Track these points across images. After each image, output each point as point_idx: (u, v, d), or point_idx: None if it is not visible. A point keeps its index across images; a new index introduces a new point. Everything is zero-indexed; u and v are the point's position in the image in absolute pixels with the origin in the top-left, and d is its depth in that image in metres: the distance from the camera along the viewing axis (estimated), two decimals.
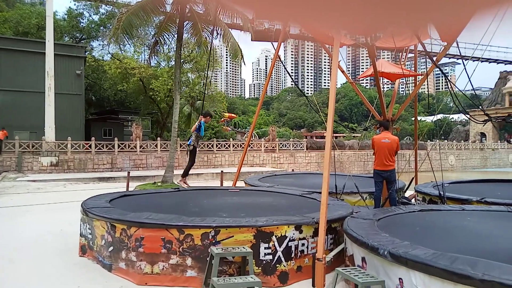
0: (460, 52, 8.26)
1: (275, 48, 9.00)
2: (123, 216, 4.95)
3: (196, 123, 7.37)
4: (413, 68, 10.26)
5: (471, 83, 8.39)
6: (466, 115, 8.36)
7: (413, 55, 9.53)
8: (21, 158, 21.04)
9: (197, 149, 7.41)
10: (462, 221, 5.29)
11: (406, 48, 8.63)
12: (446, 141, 43.36)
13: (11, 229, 7.71)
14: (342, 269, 3.77)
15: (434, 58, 7.03)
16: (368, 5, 1.25)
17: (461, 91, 7.61)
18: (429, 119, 63.32)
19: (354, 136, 51.56)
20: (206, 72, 11.87)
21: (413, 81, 10.22)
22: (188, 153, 7.40)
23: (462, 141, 43.90)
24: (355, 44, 8.20)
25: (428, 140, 40.00)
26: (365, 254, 4.01)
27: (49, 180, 17.66)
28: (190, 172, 21.28)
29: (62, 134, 23.07)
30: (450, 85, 7.13)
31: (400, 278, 3.43)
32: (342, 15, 1.35)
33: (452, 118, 61.59)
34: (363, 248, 4.01)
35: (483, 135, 48.69)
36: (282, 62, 10.61)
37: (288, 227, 4.79)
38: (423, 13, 1.30)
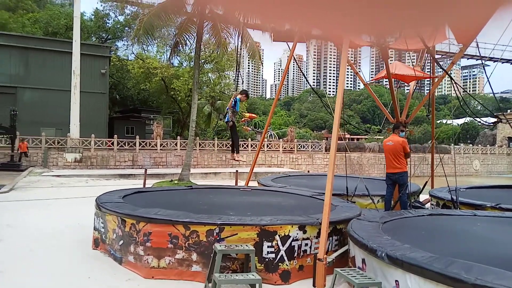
0: (480, 52, 8.05)
1: (290, 49, 9.06)
2: (132, 211, 5.14)
3: (232, 99, 7.72)
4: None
5: (490, 84, 8.19)
6: (475, 118, 8.15)
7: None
8: (47, 153, 21.90)
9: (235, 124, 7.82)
10: (471, 226, 5.20)
11: (422, 50, 8.50)
12: (471, 145, 42.06)
13: (33, 220, 8.10)
14: (341, 270, 3.80)
15: (450, 60, 6.88)
16: (380, 7, 1.27)
17: (470, 94, 7.40)
18: (456, 122, 61.64)
19: (377, 139, 50.73)
20: (236, 75, 11.97)
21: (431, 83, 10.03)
22: (229, 129, 7.88)
23: (489, 145, 42.46)
24: (370, 44, 8.14)
25: (452, 144, 38.94)
26: (365, 256, 4.03)
27: (72, 175, 18.32)
28: (208, 171, 21.43)
29: (86, 131, 23.84)
30: (458, 88, 6.97)
31: (396, 280, 3.44)
32: (355, 18, 1.36)
33: (486, 121, 59.55)
34: (363, 249, 4.03)
35: (510, 139, 46.89)
36: (297, 63, 10.64)
37: (292, 226, 4.85)
38: (437, 14, 1.30)
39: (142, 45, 15.33)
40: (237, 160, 7.91)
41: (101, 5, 36.52)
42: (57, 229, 7.26)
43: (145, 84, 32.48)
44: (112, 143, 23.97)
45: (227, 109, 7.86)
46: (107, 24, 37.38)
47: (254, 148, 28.24)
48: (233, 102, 7.61)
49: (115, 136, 24.56)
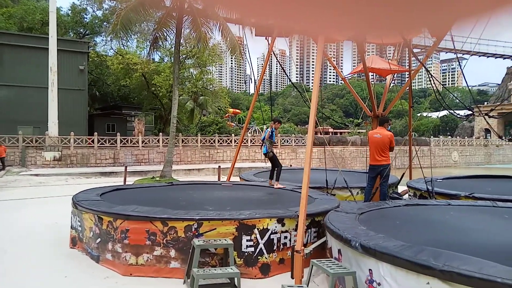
0: (454, 46, 8.24)
1: (269, 43, 9.06)
2: (109, 209, 5.08)
3: (268, 130, 7.69)
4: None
5: (464, 77, 8.40)
6: (450, 110, 8.37)
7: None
8: (25, 152, 21.35)
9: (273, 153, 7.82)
10: (444, 215, 5.35)
11: (399, 43, 8.64)
12: (450, 137, 43.09)
13: (8, 221, 7.91)
14: (317, 261, 3.86)
15: (424, 55, 7.02)
16: (355, 4, 1.26)
17: (445, 87, 7.58)
18: (435, 115, 62.99)
19: (358, 132, 51.33)
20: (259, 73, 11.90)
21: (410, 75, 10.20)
22: (269, 160, 7.84)
23: (467, 137, 43.59)
24: (347, 39, 8.22)
25: (432, 136, 39.83)
26: (341, 246, 4.10)
27: (51, 174, 17.92)
28: (191, 168, 21.27)
29: (65, 129, 23.30)
30: (434, 81, 7.12)
31: (370, 269, 3.52)
32: (330, 13, 1.36)
33: (459, 114, 60.96)
34: (338, 240, 4.10)
35: (487, 131, 48.25)
36: (276, 58, 10.64)
37: (270, 220, 4.89)
38: (413, 12, 1.30)
39: (120, 40, 15.04)
40: (277, 188, 7.90)
41: (78, 0, 35.68)
42: (34, 229, 7.12)
43: (125, 80, 31.92)
44: (92, 141, 23.53)
45: (264, 140, 7.84)
46: (85, 19, 36.50)
47: (237, 143, 28.18)
48: (270, 133, 7.63)
49: (95, 133, 24.11)
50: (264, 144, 7.71)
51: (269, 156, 7.67)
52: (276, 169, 7.83)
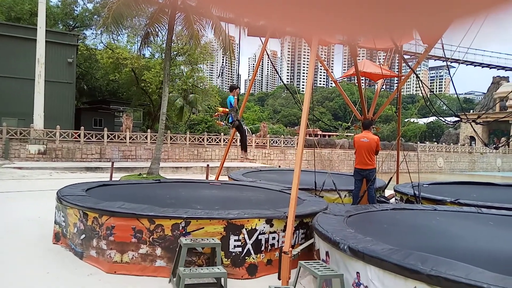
0: (444, 54, 8.35)
1: (262, 43, 9.04)
2: (95, 205, 4.99)
3: (235, 98, 7.66)
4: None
5: (453, 84, 8.52)
6: (438, 116, 8.49)
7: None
8: (8, 145, 20.87)
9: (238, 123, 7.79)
10: (430, 220, 5.40)
11: (391, 49, 8.72)
12: (436, 143, 43.75)
13: None
14: (304, 262, 3.85)
15: (414, 61, 7.10)
16: (349, 7, 1.24)
17: (434, 93, 7.68)
18: (422, 121, 63.93)
19: (346, 136, 51.73)
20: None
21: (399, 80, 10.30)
22: (236, 130, 7.80)
23: (452, 144, 44.35)
24: (340, 42, 8.26)
25: (418, 142, 40.39)
26: (328, 249, 4.10)
27: (35, 168, 17.56)
28: (179, 165, 21.14)
29: (51, 122, 22.87)
30: (424, 88, 7.21)
31: (357, 272, 3.52)
32: (323, 15, 1.34)
33: (447, 120, 61.87)
34: (326, 242, 4.10)
35: (472, 138, 49.17)
36: (270, 59, 10.63)
37: (259, 220, 4.86)
38: (406, 16, 1.28)
39: (111, 35, 14.83)
40: (247, 159, 8.06)
41: None
42: (16, 223, 6.95)
43: (114, 75, 31.52)
44: (79, 135, 23.15)
45: (231, 108, 7.89)
46: (75, 12, 35.91)
47: (227, 142, 28.10)
48: (236, 101, 7.68)
49: (82, 127, 23.73)
50: (229, 114, 7.81)
51: (235, 125, 7.78)
52: (243, 138, 7.99)
